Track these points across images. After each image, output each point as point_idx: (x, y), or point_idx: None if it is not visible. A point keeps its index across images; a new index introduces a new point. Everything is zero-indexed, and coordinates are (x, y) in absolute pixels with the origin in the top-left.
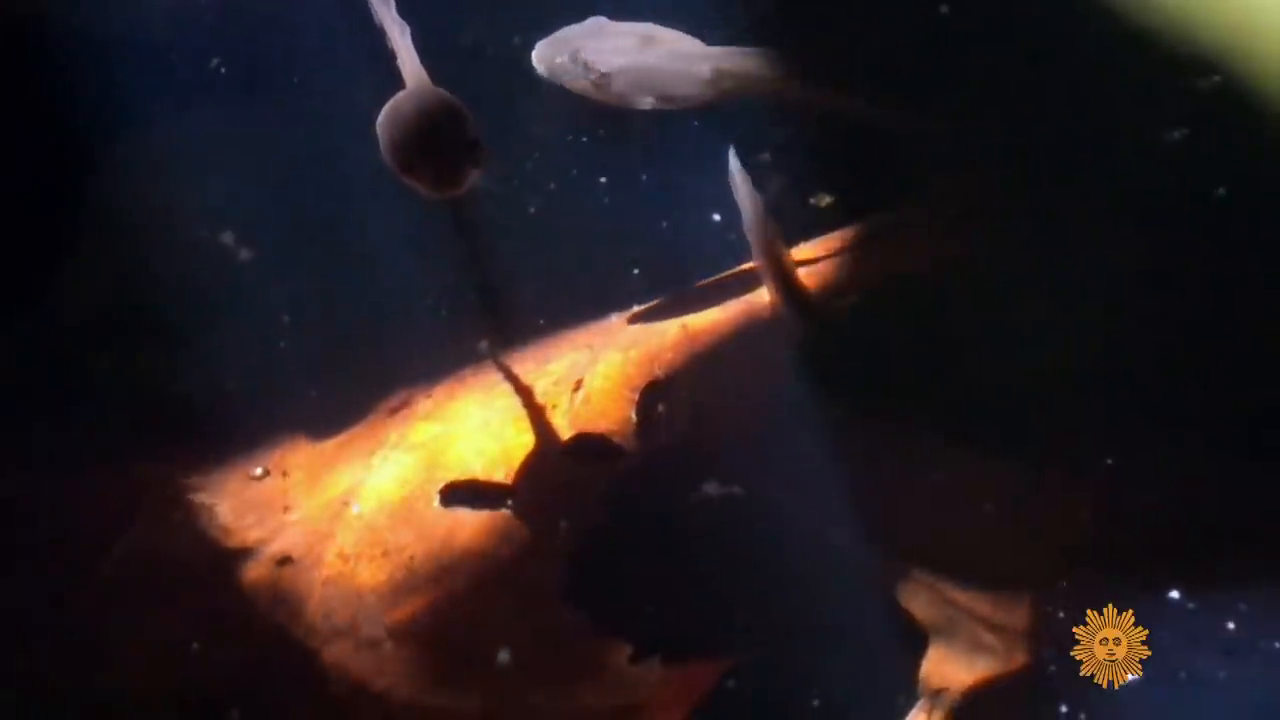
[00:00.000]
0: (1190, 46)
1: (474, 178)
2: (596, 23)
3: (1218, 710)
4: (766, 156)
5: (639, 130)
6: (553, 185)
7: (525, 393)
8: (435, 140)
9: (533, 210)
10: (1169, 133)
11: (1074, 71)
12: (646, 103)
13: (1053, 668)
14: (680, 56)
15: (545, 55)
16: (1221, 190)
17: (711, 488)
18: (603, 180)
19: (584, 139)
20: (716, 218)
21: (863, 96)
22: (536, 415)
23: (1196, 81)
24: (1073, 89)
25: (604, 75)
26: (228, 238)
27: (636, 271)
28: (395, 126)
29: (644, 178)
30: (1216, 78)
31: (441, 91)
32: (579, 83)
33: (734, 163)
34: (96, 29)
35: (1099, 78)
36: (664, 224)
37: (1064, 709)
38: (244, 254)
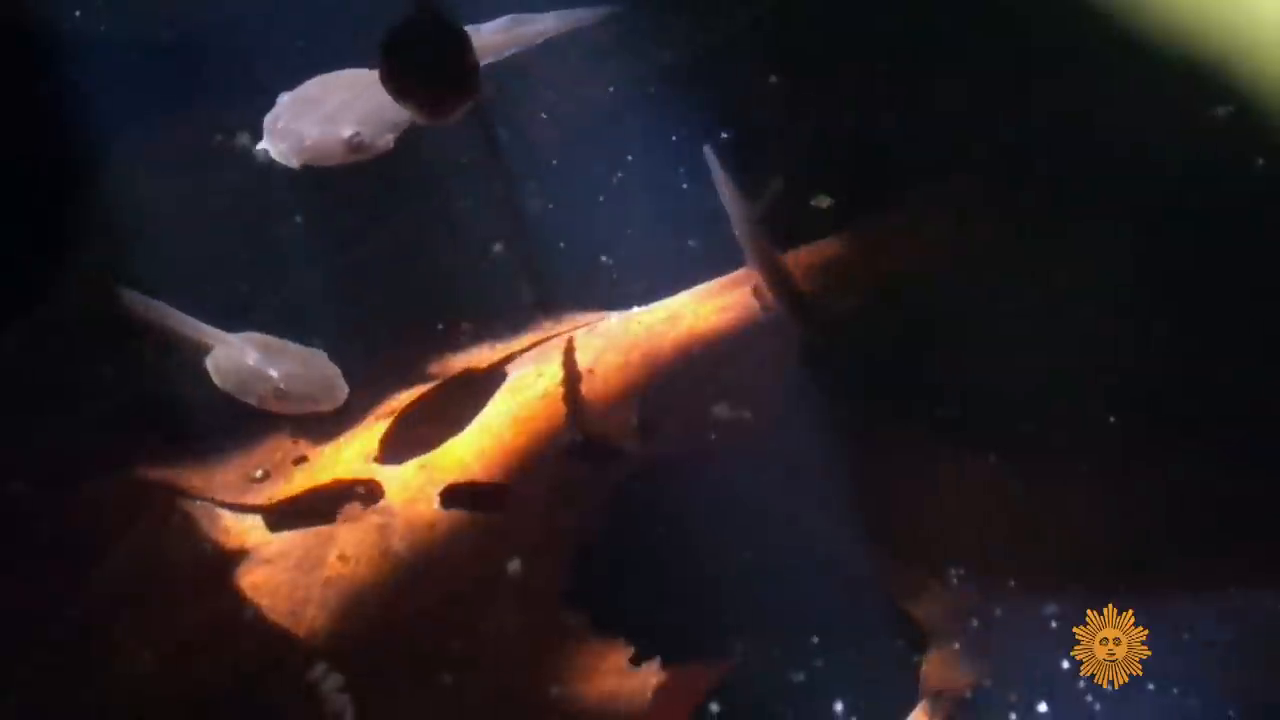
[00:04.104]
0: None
1: (469, 106)
2: (299, 96)
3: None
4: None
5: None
6: (552, 185)
7: (526, 394)
8: (433, 67)
9: (533, 211)
10: (1215, 109)
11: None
12: (388, 141)
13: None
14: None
15: (290, 146)
16: (1261, 161)
17: (721, 410)
18: (602, 181)
19: (582, 139)
20: (714, 218)
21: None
22: (537, 417)
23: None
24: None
25: (355, 134)
26: (228, 237)
27: (637, 272)
28: (395, 51)
29: (643, 178)
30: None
31: (446, 17)
32: (332, 152)
33: (715, 168)
34: (96, 29)
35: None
36: (663, 225)
37: (1065, 666)
38: (244, 255)
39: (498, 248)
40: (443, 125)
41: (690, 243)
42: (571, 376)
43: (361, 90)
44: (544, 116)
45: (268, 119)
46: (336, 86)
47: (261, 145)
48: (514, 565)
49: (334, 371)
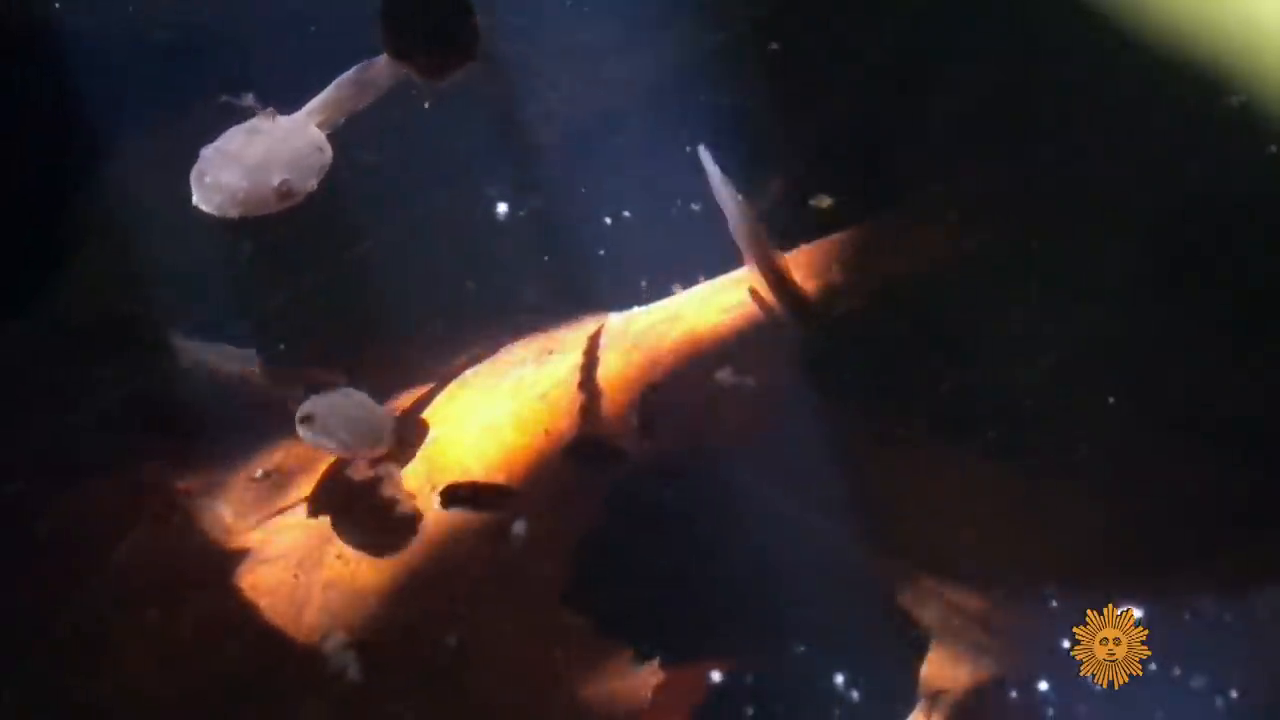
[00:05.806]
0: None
1: (468, 69)
2: (221, 148)
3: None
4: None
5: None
6: (551, 186)
7: (526, 394)
8: (433, 28)
9: (532, 211)
10: (1227, 99)
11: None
12: (312, 184)
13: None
14: (299, 129)
15: (225, 198)
16: (1273, 148)
17: (725, 375)
18: (603, 181)
19: (583, 139)
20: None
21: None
22: (537, 417)
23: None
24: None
25: (283, 181)
26: (228, 235)
27: (637, 272)
28: (395, 12)
29: (644, 177)
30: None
31: None
32: (265, 201)
33: (711, 168)
34: (93, 30)
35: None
36: (665, 225)
37: (1065, 645)
38: (245, 251)
39: (502, 227)
40: (441, 86)
41: (691, 243)
42: (590, 366)
43: (282, 137)
44: (546, 117)
45: (194, 173)
46: (257, 135)
47: (195, 200)
48: (514, 565)
49: (380, 416)
